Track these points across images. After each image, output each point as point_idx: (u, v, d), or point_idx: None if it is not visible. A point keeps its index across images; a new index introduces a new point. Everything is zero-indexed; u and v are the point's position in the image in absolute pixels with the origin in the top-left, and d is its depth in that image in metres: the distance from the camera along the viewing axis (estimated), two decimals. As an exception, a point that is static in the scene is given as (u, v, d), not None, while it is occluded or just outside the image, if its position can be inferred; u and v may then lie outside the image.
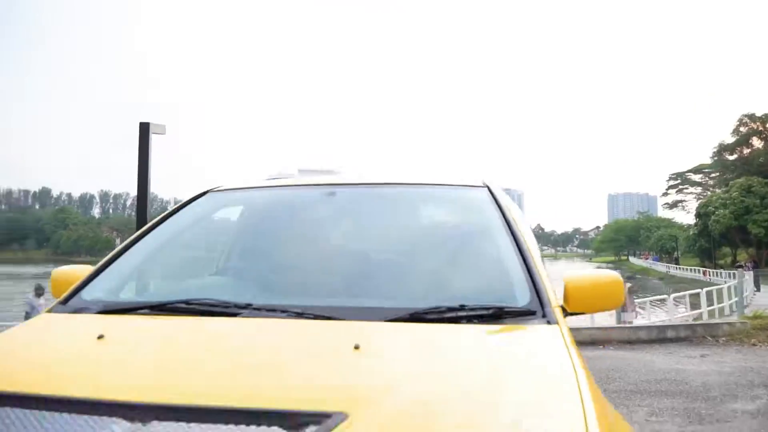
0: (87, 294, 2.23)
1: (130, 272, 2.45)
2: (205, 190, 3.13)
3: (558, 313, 1.91)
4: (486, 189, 2.64)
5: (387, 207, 2.69)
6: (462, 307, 1.85)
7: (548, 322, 1.83)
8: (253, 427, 1.13)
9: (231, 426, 1.15)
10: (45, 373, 1.51)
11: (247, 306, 1.93)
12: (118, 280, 2.39)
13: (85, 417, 1.19)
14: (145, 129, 9.38)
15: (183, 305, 2.00)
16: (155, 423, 1.16)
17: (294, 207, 2.81)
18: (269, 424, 1.13)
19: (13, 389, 1.33)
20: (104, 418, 1.19)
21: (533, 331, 1.79)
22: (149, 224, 2.89)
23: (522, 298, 1.97)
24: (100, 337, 1.71)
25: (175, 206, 3.02)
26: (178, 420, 1.18)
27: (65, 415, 1.20)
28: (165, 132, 10.10)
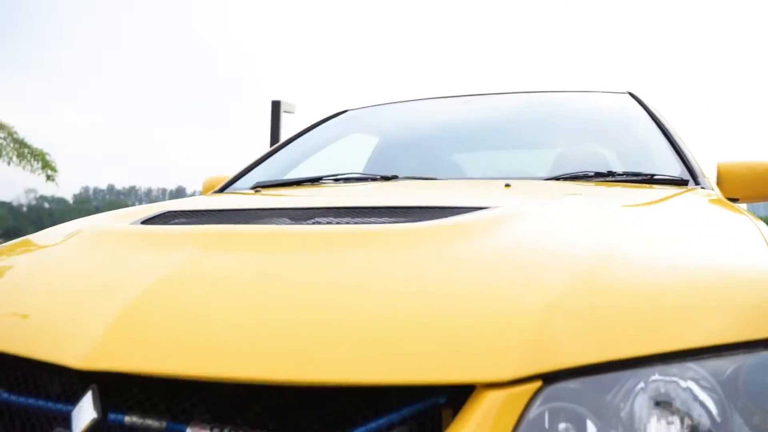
0: (237, 185, 2.45)
1: (273, 172, 2.60)
2: (342, 110, 3.24)
3: (715, 186, 1.88)
4: (628, 95, 2.65)
5: (536, 110, 2.71)
6: (611, 173, 1.86)
7: (703, 188, 1.81)
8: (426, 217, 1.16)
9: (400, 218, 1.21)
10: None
11: (394, 177, 2.03)
12: (264, 176, 2.53)
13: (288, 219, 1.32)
14: (276, 107, 9.81)
15: (331, 180, 2.14)
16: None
17: (438, 114, 2.87)
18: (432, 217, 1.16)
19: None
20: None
21: (695, 193, 1.73)
22: (288, 138, 3.05)
23: (675, 172, 1.96)
24: (257, 191, 2.02)
25: (312, 123, 3.13)
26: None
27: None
28: (294, 111, 10.53)
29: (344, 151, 3.04)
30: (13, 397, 0.99)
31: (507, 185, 1.62)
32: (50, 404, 0.93)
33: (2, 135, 16.29)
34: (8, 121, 16.38)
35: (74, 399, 0.88)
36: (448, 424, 0.75)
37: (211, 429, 0.82)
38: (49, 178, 16.50)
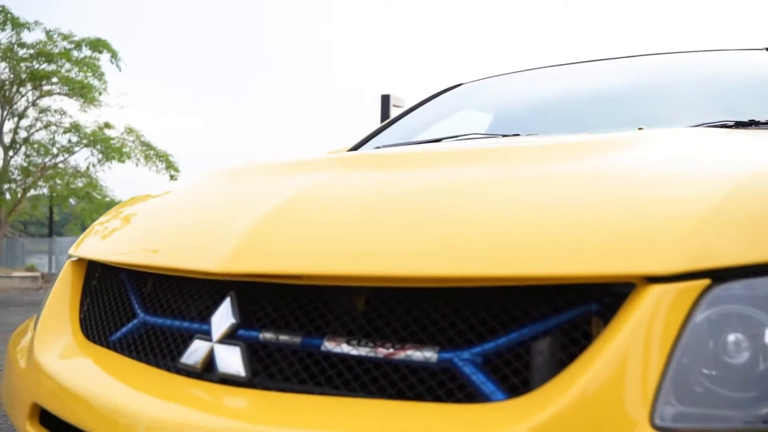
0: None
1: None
2: (456, 83, 3.20)
3: None
4: (766, 51, 2.42)
5: (667, 72, 2.55)
6: (753, 122, 1.73)
7: None
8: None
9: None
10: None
11: (515, 135, 1.97)
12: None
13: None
14: (386, 100, 9.93)
15: (452, 140, 2.10)
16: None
17: (558, 82, 2.77)
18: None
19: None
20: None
21: None
22: (401, 112, 3.06)
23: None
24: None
25: (426, 97, 3.12)
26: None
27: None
28: (404, 104, 10.60)
29: (459, 123, 3.01)
30: (154, 313, 1.04)
31: (640, 128, 1.54)
32: (189, 315, 0.96)
33: (131, 139, 17.52)
34: (134, 125, 17.57)
35: (213, 308, 0.89)
36: (597, 335, 0.71)
37: (348, 342, 0.80)
38: (172, 177, 17.52)
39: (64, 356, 1.05)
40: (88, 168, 17.45)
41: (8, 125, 17.32)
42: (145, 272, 1.10)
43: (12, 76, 16.83)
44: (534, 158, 1.00)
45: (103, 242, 1.19)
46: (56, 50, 16.87)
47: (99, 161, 17.25)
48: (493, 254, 0.74)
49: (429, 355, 0.75)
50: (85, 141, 17.28)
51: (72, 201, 18.27)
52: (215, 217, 1.02)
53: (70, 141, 17.54)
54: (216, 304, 0.89)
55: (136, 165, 17.37)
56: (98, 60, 17.24)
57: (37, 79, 16.69)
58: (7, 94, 16.87)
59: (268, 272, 0.82)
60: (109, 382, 0.92)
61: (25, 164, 17.53)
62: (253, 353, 0.83)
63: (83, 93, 16.70)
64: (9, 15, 16.46)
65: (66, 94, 17.14)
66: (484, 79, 3.12)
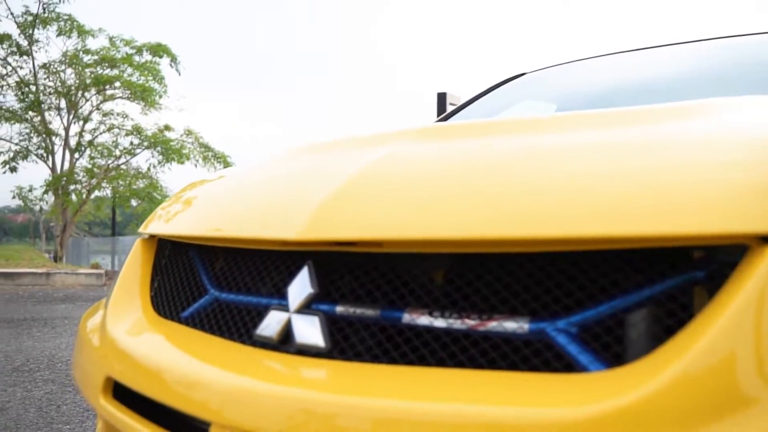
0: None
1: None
2: (518, 73, 3.14)
3: None
4: None
5: (728, 57, 2.43)
6: None
7: None
8: None
9: None
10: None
11: None
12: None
13: None
14: (442, 98, 9.89)
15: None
16: None
17: (622, 69, 2.68)
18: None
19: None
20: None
21: None
22: (463, 102, 3.01)
23: None
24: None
25: (486, 88, 3.06)
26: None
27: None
28: (459, 102, 10.52)
29: (521, 114, 2.94)
30: (226, 288, 1.02)
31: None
32: (264, 288, 0.94)
33: (190, 140, 17.94)
34: (196, 128, 17.97)
35: (289, 279, 0.87)
36: (701, 307, 0.65)
37: (431, 313, 0.76)
38: (229, 178, 17.79)
39: (136, 331, 1.05)
40: (149, 169, 17.97)
41: (74, 129, 17.98)
42: (215, 248, 1.09)
43: (77, 81, 17.46)
44: (623, 123, 0.94)
45: (173, 219, 1.18)
46: (119, 55, 17.41)
47: (159, 162, 17.75)
48: (586, 214, 0.68)
49: (519, 325, 0.71)
50: (146, 143, 17.79)
51: (133, 202, 18.80)
52: (290, 188, 0.99)
53: (131, 143, 18.11)
54: (292, 275, 0.87)
55: (195, 166, 17.78)
56: (158, 64, 17.72)
57: (101, 83, 17.26)
58: (73, 98, 17.51)
59: (348, 239, 0.79)
60: (183, 355, 0.90)
61: (90, 166, 18.16)
62: (332, 324, 0.81)
63: (144, 96, 17.19)
64: (75, 23, 17.08)
65: (128, 98, 17.68)
66: (545, 68, 3.05)
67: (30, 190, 19.35)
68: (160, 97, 17.57)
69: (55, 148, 17.89)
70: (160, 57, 17.67)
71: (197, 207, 1.16)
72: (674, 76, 2.41)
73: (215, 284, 1.05)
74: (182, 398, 0.83)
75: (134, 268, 1.21)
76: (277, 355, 0.82)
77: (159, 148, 17.59)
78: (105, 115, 18.13)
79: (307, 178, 0.99)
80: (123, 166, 18.29)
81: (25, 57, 17.12)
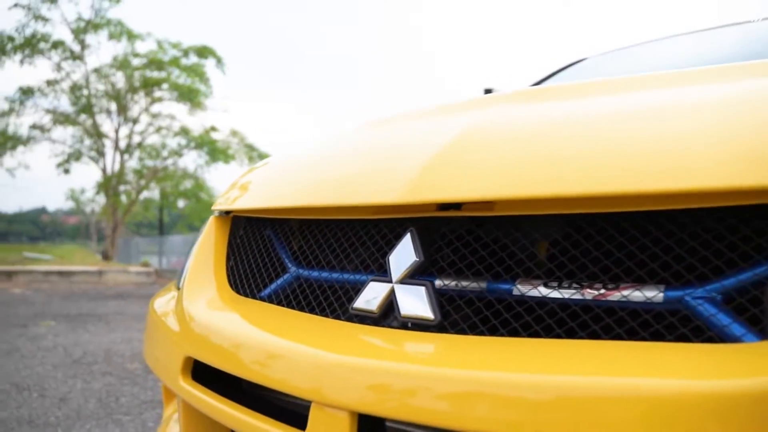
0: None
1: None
2: (581, 58, 3.04)
3: None
4: None
5: None
6: None
7: None
8: None
9: None
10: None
11: None
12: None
13: None
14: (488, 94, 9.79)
15: None
16: None
17: (686, 52, 2.55)
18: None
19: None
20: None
21: None
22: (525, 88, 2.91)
23: None
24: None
25: (548, 74, 2.96)
26: None
27: None
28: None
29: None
30: (309, 265, 0.97)
31: None
32: (355, 261, 0.88)
33: (235, 141, 18.18)
34: (240, 128, 18.21)
35: (387, 248, 0.81)
36: None
37: (546, 284, 0.69)
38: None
39: (217, 311, 1.00)
40: (195, 170, 18.27)
41: (123, 131, 18.40)
42: (294, 223, 1.04)
43: (127, 84, 17.86)
44: (731, 77, 0.85)
45: (250, 194, 1.12)
46: (166, 58, 17.75)
47: (206, 163, 18.04)
48: (721, 164, 0.59)
49: (651, 294, 0.63)
50: (192, 144, 18.09)
51: (180, 203, 19.15)
52: (384, 155, 0.92)
53: (179, 144, 18.44)
54: (391, 245, 0.80)
55: (240, 166, 18.00)
56: (204, 66, 18.01)
57: (149, 85, 17.63)
58: (122, 101, 17.92)
59: (455, 199, 0.71)
60: (272, 334, 0.84)
61: (139, 167, 18.56)
62: (440, 295, 0.74)
63: (191, 97, 17.48)
64: (124, 27, 17.48)
65: (175, 100, 18.01)
66: (607, 53, 2.94)
67: (82, 192, 19.82)
68: (206, 97, 17.85)
69: (106, 150, 18.34)
70: (206, 59, 17.95)
71: (274, 181, 1.10)
72: (734, 57, 2.30)
73: (295, 261, 1.00)
74: (278, 378, 0.77)
75: (208, 247, 1.16)
76: (378, 330, 0.75)
77: (205, 149, 17.87)
78: (153, 117, 18.51)
79: (402, 144, 0.92)
80: (171, 167, 18.64)
81: (77, 61, 17.60)
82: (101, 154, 18.24)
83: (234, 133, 18.12)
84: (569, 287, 0.67)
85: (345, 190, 0.88)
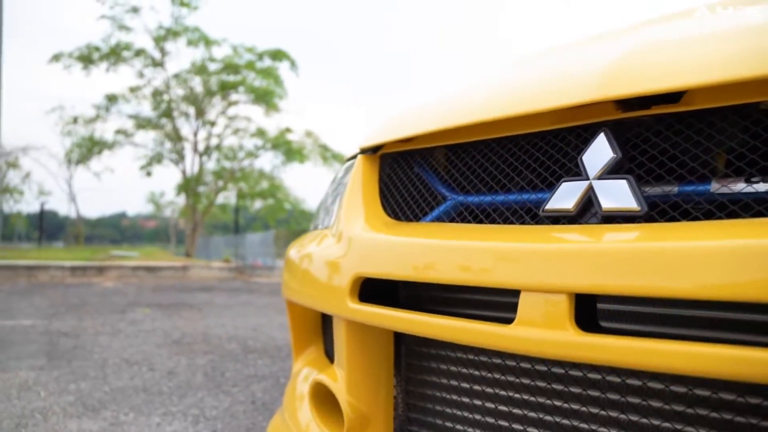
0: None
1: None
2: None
3: None
4: None
5: None
6: None
7: None
8: None
9: None
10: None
11: None
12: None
13: None
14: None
15: None
16: None
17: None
18: None
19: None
20: None
21: None
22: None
23: None
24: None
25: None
26: None
27: None
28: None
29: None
30: (478, 191, 0.95)
31: None
32: (530, 176, 0.87)
33: (310, 141, 18.48)
34: (313, 129, 18.51)
35: (577, 151, 0.79)
36: None
37: (747, 180, 0.65)
38: (347, 177, 18.19)
39: (383, 232, 1.00)
40: (272, 170, 18.69)
41: (201, 134, 19.00)
42: (446, 153, 1.03)
43: (204, 89, 18.45)
44: None
45: (400, 126, 1.11)
46: (241, 62, 18.24)
47: (282, 163, 18.42)
48: None
49: None
50: (268, 145, 18.51)
51: (256, 204, 19.62)
52: (555, 68, 0.90)
53: (255, 146, 18.89)
54: (579, 150, 0.78)
55: (315, 166, 18.29)
56: (278, 69, 18.40)
57: (226, 89, 18.15)
58: (200, 105, 18.51)
59: (649, 91, 0.69)
60: (456, 240, 0.83)
61: (217, 168, 19.13)
62: (644, 186, 0.71)
63: (266, 99, 17.89)
64: (202, 34, 18.07)
65: (251, 102, 18.47)
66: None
67: (161, 196, 20.57)
68: (281, 99, 18.22)
69: (185, 152, 19.00)
70: (280, 62, 18.33)
71: (430, 109, 1.09)
72: None
73: (453, 190, 0.99)
74: (478, 277, 0.76)
75: (358, 185, 1.16)
76: (578, 227, 0.73)
77: (281, 149, 18.25)
78: (230, 119, 19.05)
79: (572, 61, 0.90)
80: (247, 168, 19.13)
81: (158, 68, 18.31)
82: (181, 156, 18.90)
83: (308, 134, 18.43)
84: None
85: (524, 95, 0.85)
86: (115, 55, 17.64)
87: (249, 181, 18.83)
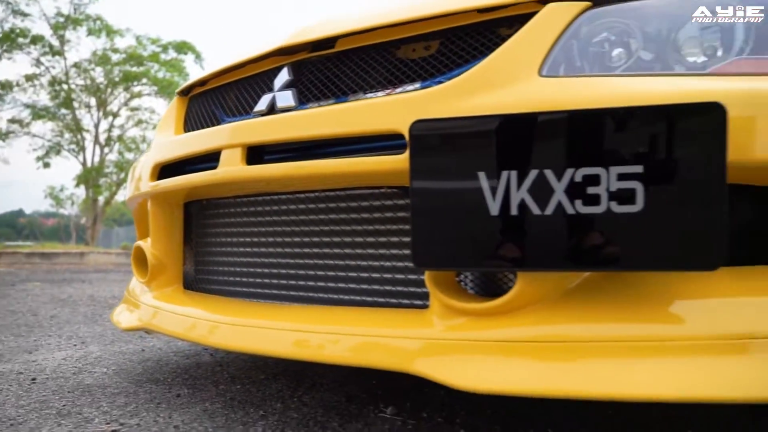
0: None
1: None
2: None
3: None
4: None
5: None
6: None
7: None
8: None
9: None
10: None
11: None
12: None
13: None
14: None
15: None
16: None
17: None
18: None
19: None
20: None
21: None
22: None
23: None
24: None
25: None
26: None
27: None
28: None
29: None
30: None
31: None
32: (257, 93, 1.42)
33: (214, 134, 18.54)
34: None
35: (276, 75, 1.33)
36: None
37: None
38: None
39: (175, 136, 1.51)
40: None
41: (103, 125, 18.73)
42: (222, 89, 1.55)
43: (106, 79, 18.21)
44: None
45: (202, 74, 1.63)
46: (145, 53, 18.14)
47: (185, 155, 18.37)
48: None
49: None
50: (172, 137, 18.41)
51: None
52: (284, 31, 1.44)
53: (158, 137, 18.75)
54: (274, 77, 1.32)
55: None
56: (183, 61, 18.42)
57: (129, 80, 17.99)
58: (102, 96, 18.26)
59: (311, 39, 1.24)
60: (201, 134, 1.36)
61: (120, 160, 18.89)
62: (302, 94, 1.26)
63: (171, 91, 17.87)
64: (104, 23, 17.83)
65: (155, 94, 18.40)
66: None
67: (61, 190, 20.04)
68: (185, 92, 18.17)
69: (86, 143, 18.67)
70: (185, 54, 18.36)
71: (219, 64, 1.61)
72: None
73: (226, 114, 1.51)
74: (210, 144, 1.28)
75: (170, 115, 1.67)
76: (262, 116, 1.27)
77: (184, 141, 18.20)
78: (133, 110, 18.89)
79: (295, 27, 1.44)
80: (150, 160, 18.94)
81: (57, 57, 17.91)
82: (81, 147, 18.58)
83: (212, 127, 18.48)
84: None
85: (258, 49, 1.40)
86: (10, 40, 17.14)
87: (152, 172, 18.69)
